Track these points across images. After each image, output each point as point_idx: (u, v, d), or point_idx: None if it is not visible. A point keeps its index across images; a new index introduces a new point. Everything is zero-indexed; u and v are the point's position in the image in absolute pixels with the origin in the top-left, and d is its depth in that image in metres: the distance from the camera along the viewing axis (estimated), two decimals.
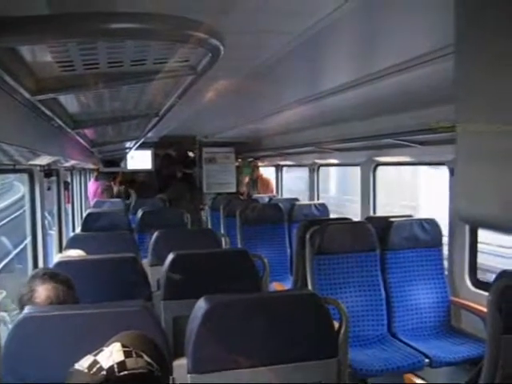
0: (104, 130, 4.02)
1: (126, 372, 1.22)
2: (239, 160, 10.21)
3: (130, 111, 2.90)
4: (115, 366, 1.22)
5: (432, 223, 4.32)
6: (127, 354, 1.25)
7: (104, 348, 1.29)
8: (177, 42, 1.31)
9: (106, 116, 2.97)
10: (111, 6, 1.28)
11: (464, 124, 0.78)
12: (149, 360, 1.28)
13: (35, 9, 1.27)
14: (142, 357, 1.27)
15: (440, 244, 4.32)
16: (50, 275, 2.33)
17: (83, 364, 1.25)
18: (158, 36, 1.22)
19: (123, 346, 1.28)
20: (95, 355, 1.26)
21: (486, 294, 3.45)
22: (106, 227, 5.46)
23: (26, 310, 2.05)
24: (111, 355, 1.25)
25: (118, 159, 9.33)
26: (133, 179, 10.16)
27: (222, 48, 1.39)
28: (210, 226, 7.97)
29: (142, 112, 2.96)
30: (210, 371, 2.20)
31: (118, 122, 3.17)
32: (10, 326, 2.04)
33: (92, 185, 9.48)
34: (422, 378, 3.56)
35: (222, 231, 6.90)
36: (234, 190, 9.89)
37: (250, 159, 10.03)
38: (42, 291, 2.26)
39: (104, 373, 1.20)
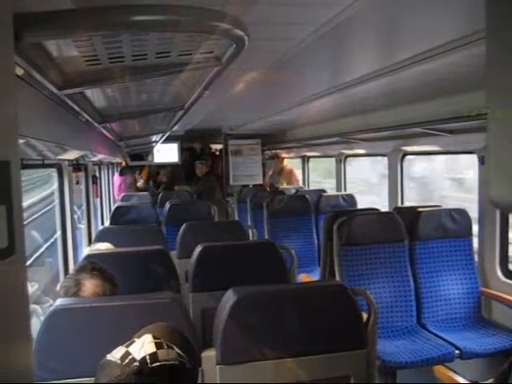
0: (131, 124, 4.05)
1: (158, 363, 1.23)
2: (265, 152, 10.20)
3: (156, 104, 2.91)
4: (147, 357, 1.23)
5: (461, 213, 4.26)
6: (158, 346, 1.26)
7: (135, 339, 1.30)
8: (201, 33, 1.31)
9: (133, 110, 2.98)
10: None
11: (495, 109, 0.77)
12: (179, 352, 1.29)
13: (60, 3, 1.28)
14: (172, 348, 1.28)
15: (470, 234, 4.27)
16: (99, 271, 2.35)
17: (115, 355, 1.26)
18: (182, 28, 1.22)
19: (154, 337, 1.29)
20: (127, 346, 1.27)
21: None
22: (134, 220, 5.52)
23: (58, 302, 2.08)
24: (143, 346, 1.25)
25: (144, 153, 9.40)
26: (158, 173, 10.24)
27: (246, 38, 1.38)
28: (237, 218, 8.00)
29: (168, 105, 2.97)
30: (239, 362, 2.20)
31: (144, 115, 3.19)
32: (42, 319, 2.07)
33: (116, 179, 9.57)
34: (453, 370, 3.52)
35: (249, 223, 6.92)
36: (260, 181, 9.87)
37: (273, 151, 10.03)
38: (90, 286, 2.29)
39: (137, 364, 1.21)
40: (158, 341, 1.28)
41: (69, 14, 1.18)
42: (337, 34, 2.34)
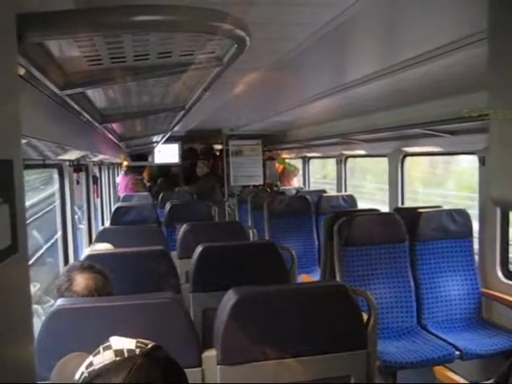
0: (132, 124, 4.06)
1: (150, 345, 1.20)
2: (266, 152, 10.20)
3: (157, 105, 2.91)
4: (138, 343, 1.20)
5: (462, 213, 4.27)
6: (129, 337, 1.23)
7: (100, 349, 1.23)
8: (202, 33, 1.31)
9: (134, 110, 2.98)
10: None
11: (497, 110, 0.77)
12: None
13: (62, 4, 1.28)
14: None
15: (470, 234, 4.27)
16: (89, 266, 2.37)
17: (105, 359, 1.20)
18: (184, 28, 1.23)
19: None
20: (105, 350, 1.20)
21: None
22: (135, 221, 5.52)
23: (59, 302, 2.08)
24: (122, 341, 1.21)
25: (145, 153, 9.41)
26: (160, 173, 10.27)
27: (247, 39, 1.38)
28: (237, 219, 8.00)
29: (169, 105, 2.97)
30: (239, 362, 2.20)
31: (145, 115, 3.19)
32: (43, 319, 2.07)
33: (122, 179, 9.60)
34: (453, 371, 3.53)
35: (250, 224, 6.92)
36: (261, 182, 9.88)
37: (272, 152, 10.06)
38: (82, 280, 2.30)
39: (140, 348, 1.18)
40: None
41: (71, 14, 1.19)
42: (338, 35, 2.35)
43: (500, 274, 4.17)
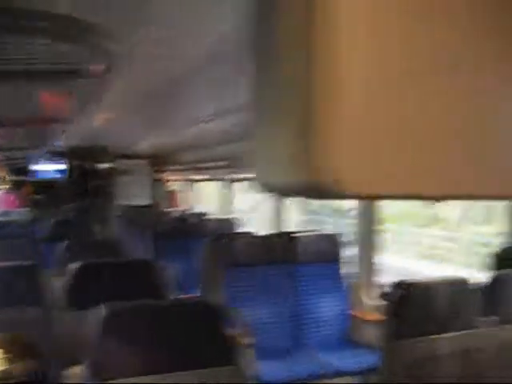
0: (8, 134, 3.89)
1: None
2: (155, 173, 10.17)
3: (33, 114, 2.83)
4: None
5: (331, 237, 4.48)
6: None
7: None
8: (70, 43, 1.31)
9: (7, 118, 2.88)
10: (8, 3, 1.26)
11: None
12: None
13: None
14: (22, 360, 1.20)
15: (338, 258, 4.49)
16: None
17: None
18: (48, 36, 1.22)
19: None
20: None
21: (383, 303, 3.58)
22: (9, 236, 5.29)
23: None
24: None
25: (27, 167, 9.09)
26: (43, 188, 9.96)
27: (122, 54, 1.40)
28: (120, 238, 7.85)
29: (47, 117, 2.90)
30: (107, 378, 2.17)
31: (20, 125, 3.08)
32: None
33: (6, 196, 9.21)
34: None
35: (132, 242, 6.82)
36: (148, 202, 9.82)
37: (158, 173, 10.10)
38: None
39: None
40: (7, 355, 1.20)
41: None
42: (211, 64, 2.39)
43: (367, 296, 4.39)
